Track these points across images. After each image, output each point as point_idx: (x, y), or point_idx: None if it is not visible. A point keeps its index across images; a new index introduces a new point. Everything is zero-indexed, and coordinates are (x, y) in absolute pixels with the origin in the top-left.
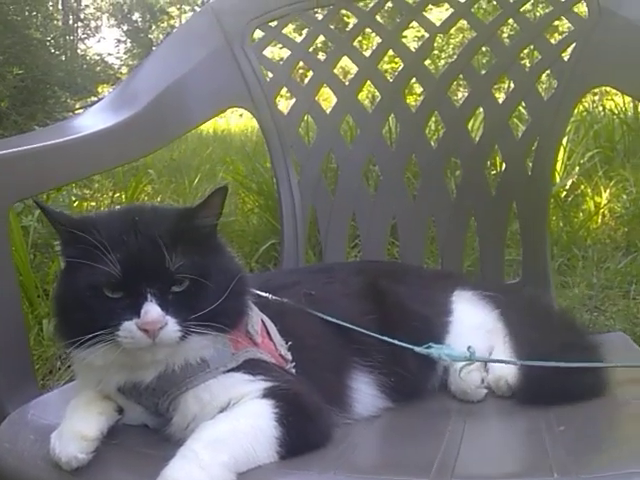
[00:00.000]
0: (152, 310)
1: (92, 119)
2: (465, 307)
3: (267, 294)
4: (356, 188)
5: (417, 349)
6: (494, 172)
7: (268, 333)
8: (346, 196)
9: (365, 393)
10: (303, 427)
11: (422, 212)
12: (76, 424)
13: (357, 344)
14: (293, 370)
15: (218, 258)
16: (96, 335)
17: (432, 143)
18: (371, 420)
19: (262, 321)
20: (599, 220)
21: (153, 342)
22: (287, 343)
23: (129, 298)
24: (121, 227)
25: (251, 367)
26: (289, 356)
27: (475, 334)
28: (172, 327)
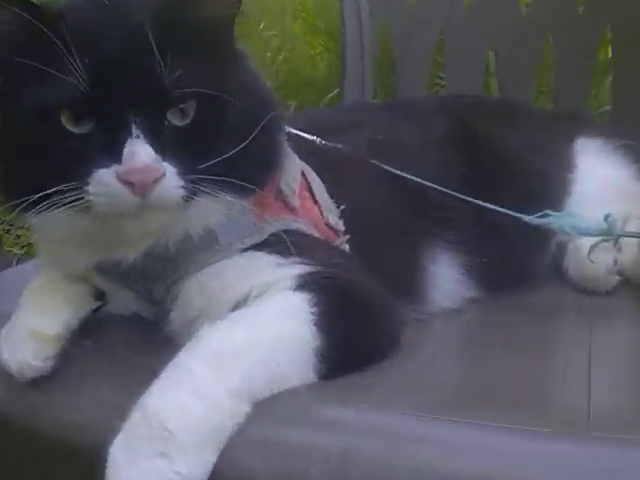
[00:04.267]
0: (141, 151)
1: None
2: (593, 160)
3: (314, 137)
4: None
5: (528, 218)
6: None
7: (312, 193)
8: (431, 9)
9: (447, 278)
10: (356, 332)
11: (533, 29)
12: (31, 318)
13: (439, 210)
14: (346, 246)
15: (240, 75)
16: (53, 193)
17: None
18: (453, 317)
19: (303, 175)
20: None
21: (142, 202)
22: (339, 207)
23: (103, 132)
24: (88, 15)
25: (282, 243)
26: (341, 226)
27: (606, 197)
28: (172, 180)
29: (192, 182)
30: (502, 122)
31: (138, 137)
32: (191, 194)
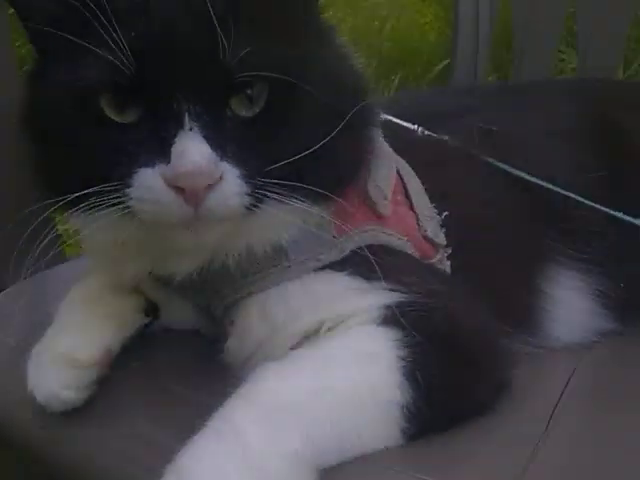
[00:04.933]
0: (194, 148)
1: None
2: None
3: (414, 125)
4: None
5: None
6: None
7: (407, 197)
8: None
9: (573, 306)
10: (456, 383)
11: None
12: (65, 338)
13: (566, 221)
14: (447, 263)
15: (324, 56)
16: (90, 194)
17: None
18: (579, 356)
19: (399, 175)
20: None
21: (195, 213)
22: (441, 215)
23: (150, 123)
24: None
25: (366, 262)
26: (442, 238)
27: None
28: (233, 185)
29: (259, 187)
30: None
31: (192, 130)
32: (257, 202)
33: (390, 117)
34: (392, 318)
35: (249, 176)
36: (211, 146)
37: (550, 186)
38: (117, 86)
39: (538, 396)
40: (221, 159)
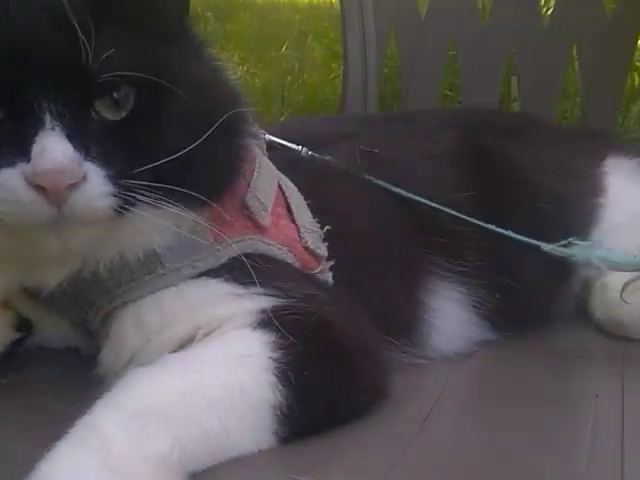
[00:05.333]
0: (54, 146)
1: None
2: (625, 183)
3: (298, 146)
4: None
5: (548, 247)
6: None
7: (289, 210)
8: (441, 17)
9: (451, 316)
10: (329, 385)
11: (559, 38)
12: None
13: (443, 235)
14: (328, 275)
15: (194, 63)
16: None
17: None
18: (459, 363)
19: (280, 189)
20: None
21: (58, 214)
22: (323, 229)
23: (10, 122)
24: None
25: (243, 269)
26: (323, 250)
27: None
28: (97, 185)
29: (127, 189)
30: (519, 139)
31: (53, 129)
32: (125, 205)
33: (274, 138)
34: (267, 321)
35: (115, 177)
36: (74, 145)
37: (427, 202)
38: None
39: (414, 400)
40: (85, 159)
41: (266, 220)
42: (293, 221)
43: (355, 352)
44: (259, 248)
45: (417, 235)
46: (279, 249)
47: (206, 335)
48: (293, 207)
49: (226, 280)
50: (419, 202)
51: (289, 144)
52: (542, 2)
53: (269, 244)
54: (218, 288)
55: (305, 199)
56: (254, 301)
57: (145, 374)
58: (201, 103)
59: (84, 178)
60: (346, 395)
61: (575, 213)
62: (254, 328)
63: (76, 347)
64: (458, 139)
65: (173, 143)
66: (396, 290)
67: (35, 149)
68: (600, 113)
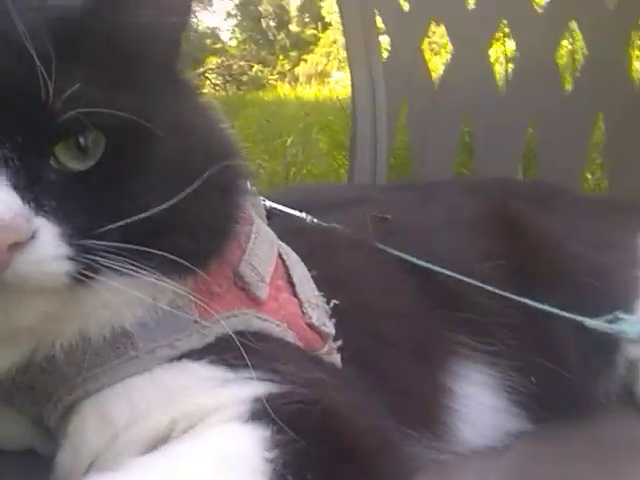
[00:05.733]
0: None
1: None
2: None
3: (302, 213)
4: (474, 76)
5: (593, 323)
6: None
7: (290, 282)
8: (456, 91)
9: (480, 403)
10: None
11: (583, 107)
12: None
13: (468, 311)
14: (337, 357)
15: (179, 107)
16: None
17: None
18: (492, 459)
19: (281, 258)
20: None
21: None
22: (329, 303)
23: None
24: None
25: (232, 349)
26: (330, 327)
27: None
28: (49, 245)
29: (88, 251)
30: (548, 208)
31: None
32: (86, 270)
33: (276, 205)
34: (261, 413)
35: (74, 236)
36: (22, 197)
37: (451, 273)
38: None
39: None
40: (36, 213)
41: (263, 292)
42: (295, 294)
43: (369, 448)
44: (253, 325)
45: (438, 310)
46: (277, 326)
47: (185, 431)
48: (295, 279)
49: (212, 362)
50: (440, 273)
51: (292, 211)
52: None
53: (265, 320)
54: (201, 372)
55: (309, 270)
56: (245, 388)
57: None
58: (186, 151)
59: (33, 237)
60: None
61: (616, 286)
62: (245, 421)
63: (33, 449)
64: (482, 206)
65: (150, 197)
66: (415, 373)
67: None
68: (626, 181)
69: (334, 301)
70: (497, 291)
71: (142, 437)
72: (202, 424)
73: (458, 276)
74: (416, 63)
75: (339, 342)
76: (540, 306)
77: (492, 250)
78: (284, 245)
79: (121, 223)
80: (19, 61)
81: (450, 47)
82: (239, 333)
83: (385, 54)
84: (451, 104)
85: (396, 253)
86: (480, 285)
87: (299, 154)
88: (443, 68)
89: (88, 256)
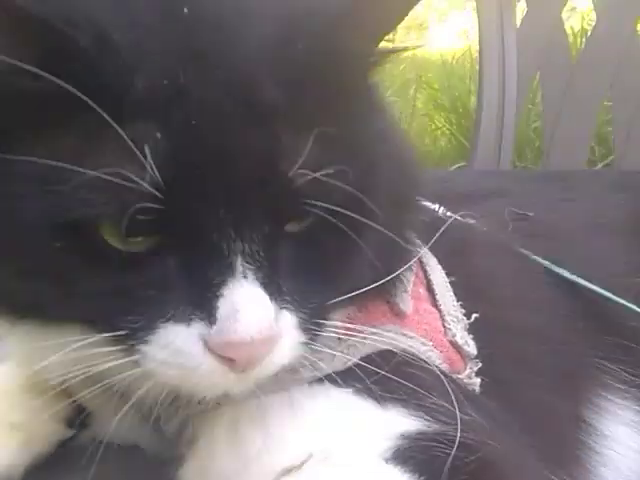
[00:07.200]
0: (251, 306)
1: None
2: None
3: (436, 205)
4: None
5: None
6: None
7: (430, 290)
8: (597, 63)
9: (628, 446)
10: None
11: None
12: None
13: (621, 336)
14: (476, 381)
15: (386, 150)
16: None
17: None
18: None
19: (420, 262)
20: None
21: (238, 377)
22: (470, 317)
23: (176, 257)
24: (154, 44)
25: (379, 377)
26: (472, 347)
27: None
28: (291, 340)
29: (317, 331)
30: None
31: (245, 277)
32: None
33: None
34: (406, 453)
35: (307, 321)
36: (270, 295)
37: (601, 291)
38: (132, 217)
39: None
40: (280, 307)
41: (408, 305)
42: (436, 305)
43: None
44: (400, 343)
45: (586, 333)
46: (422, 344)
47: (318, 465)
48: (435, 287)
49: (355, 392)
50: (590, 289)
51: (425, 202)
52: None
53: (411, 337)
54: (343, 401)
55: (447, 276)
56: (392, 424)
57: None
58: (398, 184)
59: (280, 338)
60: None
61: None
62: (387, 460)
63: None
64: (635, 205)
65: (370, 259)
66: (557, 408)
67: (223, 308)
68: None
69: (475, 315)
70: None
71: (275, 468)
72: (339, 456)
73: (614, 297)
74: (555, 32)
75: (480, 364)
76: None
77: None
78: (420, 244)
79: (344, 298)
80: (264, 133)
81: (594, 16)
82: (384, 354)
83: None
84: (591, 79)
85: (544, 262)
86: (635, 308)
87: (396, 113)
88: (584, 41)
89: (316, 335)
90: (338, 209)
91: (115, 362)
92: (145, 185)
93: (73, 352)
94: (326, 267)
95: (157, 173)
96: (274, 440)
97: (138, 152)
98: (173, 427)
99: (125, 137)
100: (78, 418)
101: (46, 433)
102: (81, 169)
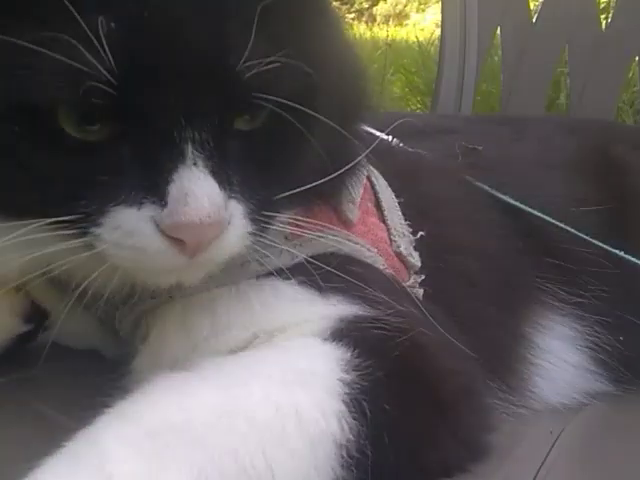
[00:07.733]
0: (200, 190)
1: None
2: None
3: (389, 137)
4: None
5: None
6: None
7: (379, 206)
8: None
9: (561, 358)
10: (417, 428)
11: None
12: None
13: (558, 257)
14: (419, 291)
15: (335, 43)
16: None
17: None
18: (566, 419)
19: (370, 181)
20: None
21: (188, 261)
22: (417, 234)
23: (130, 144)
24: None
25: (323, 272)
26: (416, 259)
27: None
28: (239, 228)
29: (266, 223)
30: None
31: (196, 165)
32: (255, 240)
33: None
34: (343, 332)
35: (255, 211)
36: (219, 183)
37: (541, 215)
38: (87, 100)
39: (519, 460)
40: (229, 196)
41: (354, 214)
42: (383, 220)
43: (453, 392)
44: (344, 246)
45: (527, 254)
46: (368, 250)
47: (263, 344)
48: (384, 204)
49: (300, 283)
50: (532, 214)
51: (378, 132)
52: None
53: (356, 243)
54: (288, 291)
55: (396, 196)
56: (331, 308)
57: (173, 383)
58: (343, 94)
59: (228, 223)
60: (436, 445)
61: None
62: (325, 339)
63: (97, 349)
64: (580, 146)
65: (318, 154)
66: (496, 320)
67: (173, 191)
68: None
69: (421, 232)
70: (594, 241)
71: (221, 349)
72: (281, 336)
73: (552, 220)
74: None
75: (422, 276)
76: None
77: (589, 194)
78: (372, 168)
79: (295, 191)
80: (215, 28)
81: None
82: (330, 255)
83: None
84: (549, 38)
85: (486, 189)
86: (575, 232)
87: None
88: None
89: (264, 226)
90: (287, 102)
91: (68, 243)
92: (100, 67)
93: (25, 237)
94: (276, 162)
95: (111, 58)
96: (221, 325)
97: (93, 37)
98: (127, 326)
99: (82, 24)
100: (37, 316)
101: (7, 327)
102: (41, 49)
